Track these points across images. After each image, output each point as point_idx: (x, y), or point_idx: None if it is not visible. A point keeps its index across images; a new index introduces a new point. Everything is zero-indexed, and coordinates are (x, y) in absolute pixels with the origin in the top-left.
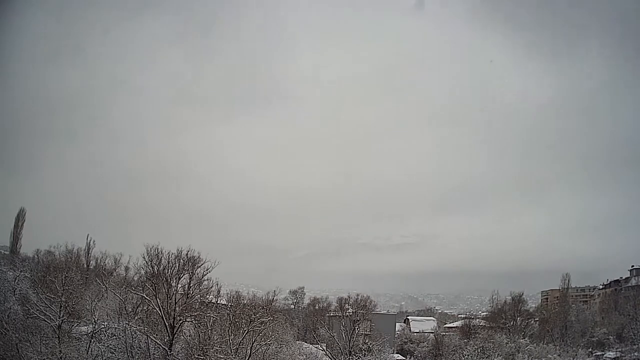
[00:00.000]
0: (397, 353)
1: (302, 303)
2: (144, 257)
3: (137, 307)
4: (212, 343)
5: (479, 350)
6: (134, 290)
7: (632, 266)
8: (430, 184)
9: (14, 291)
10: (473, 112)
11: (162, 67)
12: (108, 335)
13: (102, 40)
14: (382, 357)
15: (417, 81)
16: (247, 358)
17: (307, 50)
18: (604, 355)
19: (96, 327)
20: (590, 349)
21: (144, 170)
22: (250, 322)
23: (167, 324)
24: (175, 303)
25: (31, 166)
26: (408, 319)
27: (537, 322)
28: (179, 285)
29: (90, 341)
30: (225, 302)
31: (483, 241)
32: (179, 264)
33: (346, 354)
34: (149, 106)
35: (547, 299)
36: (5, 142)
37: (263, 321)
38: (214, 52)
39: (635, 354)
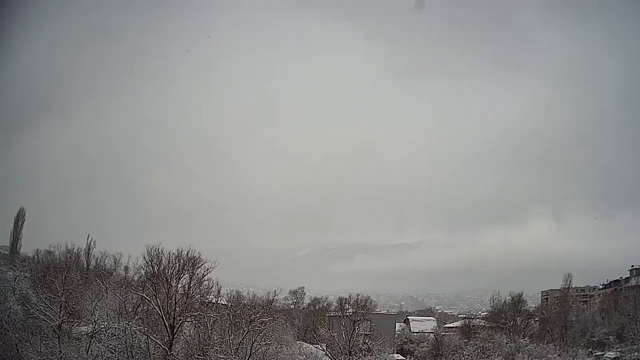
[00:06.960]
0: (397, 353)
1: (302, 303)
2: (144, 257)
3: (137, 307)
4: (212, 343)
5: (479, 350)
6: (134, 290)
7: (632, 266)
8: (431, 186)
9: (14, 291)
10: (478, 124)
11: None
12: (108, 335)
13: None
14: (382, 357)
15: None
16: (247, 358)
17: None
18: (604, 355)
19: (96, 327)
20: (590, 349)
21: (145, 171)
22: (251, 322)
23: (167, 324)
24: (176, 303)
25: (31, 166)
26: (408, 319)
27: (537, 322)
28: (179, 285)
29: (90, 341)
30: (225, 302)
31: (483, 241)
32: (180, 264)
33: (346, 354)
34: (152, 108)
35: (547, 299)
36: (5, 141)
37: (263, 321)
38: None
39: (635, 354)
